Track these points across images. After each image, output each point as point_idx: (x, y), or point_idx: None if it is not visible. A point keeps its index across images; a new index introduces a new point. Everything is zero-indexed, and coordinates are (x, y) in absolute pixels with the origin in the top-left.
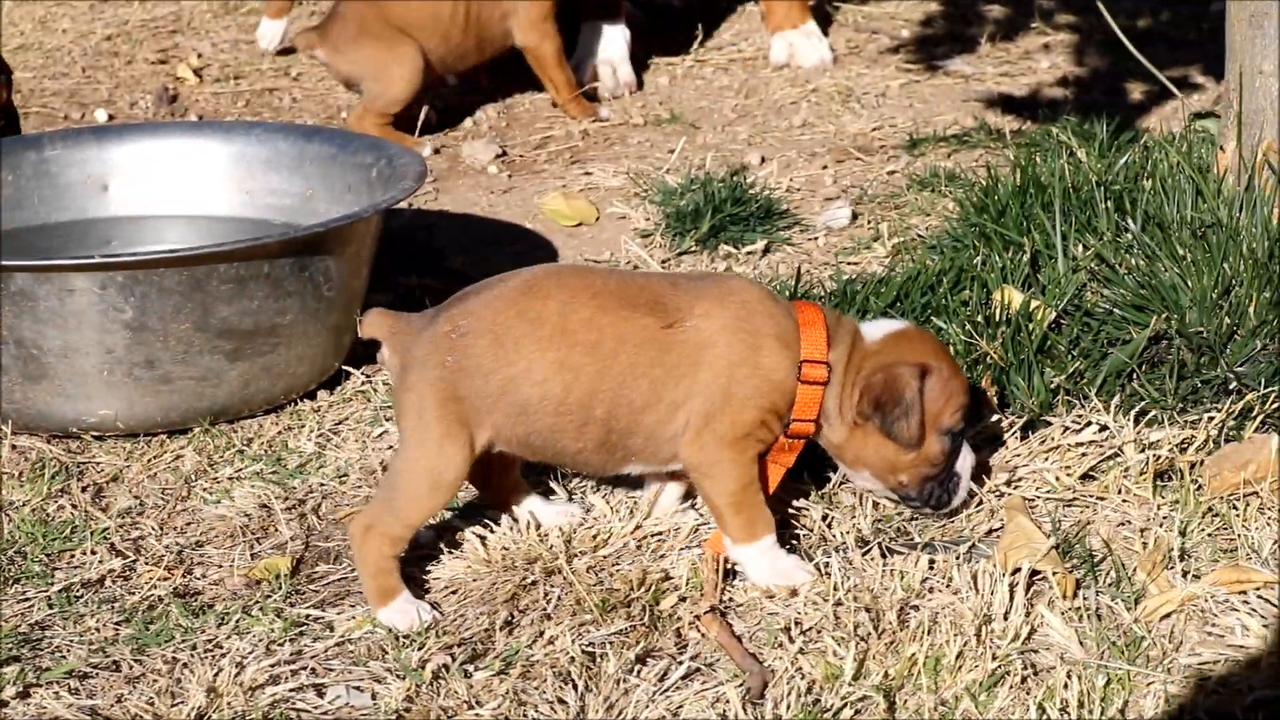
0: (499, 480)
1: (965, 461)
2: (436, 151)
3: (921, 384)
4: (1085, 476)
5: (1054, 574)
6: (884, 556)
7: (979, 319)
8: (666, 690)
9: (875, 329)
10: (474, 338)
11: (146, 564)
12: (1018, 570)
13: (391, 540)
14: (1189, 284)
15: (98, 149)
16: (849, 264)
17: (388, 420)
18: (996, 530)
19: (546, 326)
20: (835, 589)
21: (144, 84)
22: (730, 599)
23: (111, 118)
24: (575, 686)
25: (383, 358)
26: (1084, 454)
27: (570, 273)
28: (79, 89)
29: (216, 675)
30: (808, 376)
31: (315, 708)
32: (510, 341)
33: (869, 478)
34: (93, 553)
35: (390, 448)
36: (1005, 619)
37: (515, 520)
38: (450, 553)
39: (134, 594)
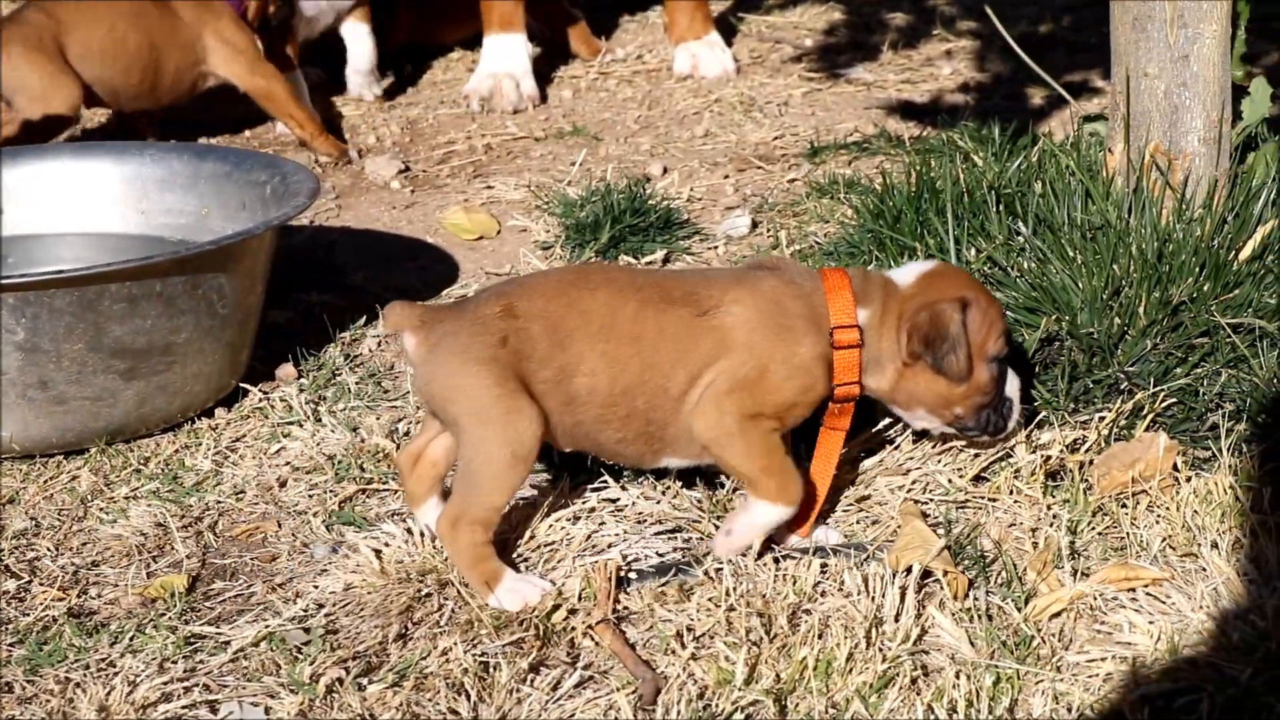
0: (424, 473)
1: (1013, 385)
2: (360, 154)
3: (964, 316)
4: (978, 478)
5: (945, 575)
6: (777, 562)
7: None
8: (559, 699)
9: (907, 273)
10: (527, 321)
11: (41, 585)
12: (909, 571)
13: (483, 526)
14: (1080, 285)
15: None
16: None
17: (285, 436)
18: (892, 535)
19: (595, 320)
20: (728, 594)
21: None
22: (624, 608)
23: None
24: (468, 697)
25: (406, 347)
26: (976, 455)
27: (614, 268)
28: None
29: (109, 694)
30: (840, 341)
31: None
32: (563, 332)
33: (925, 415)
34: None
35: (288, 464)
36: (896, 620)
37: (411, 532)
38: (346, 566)
39: (28, 615)
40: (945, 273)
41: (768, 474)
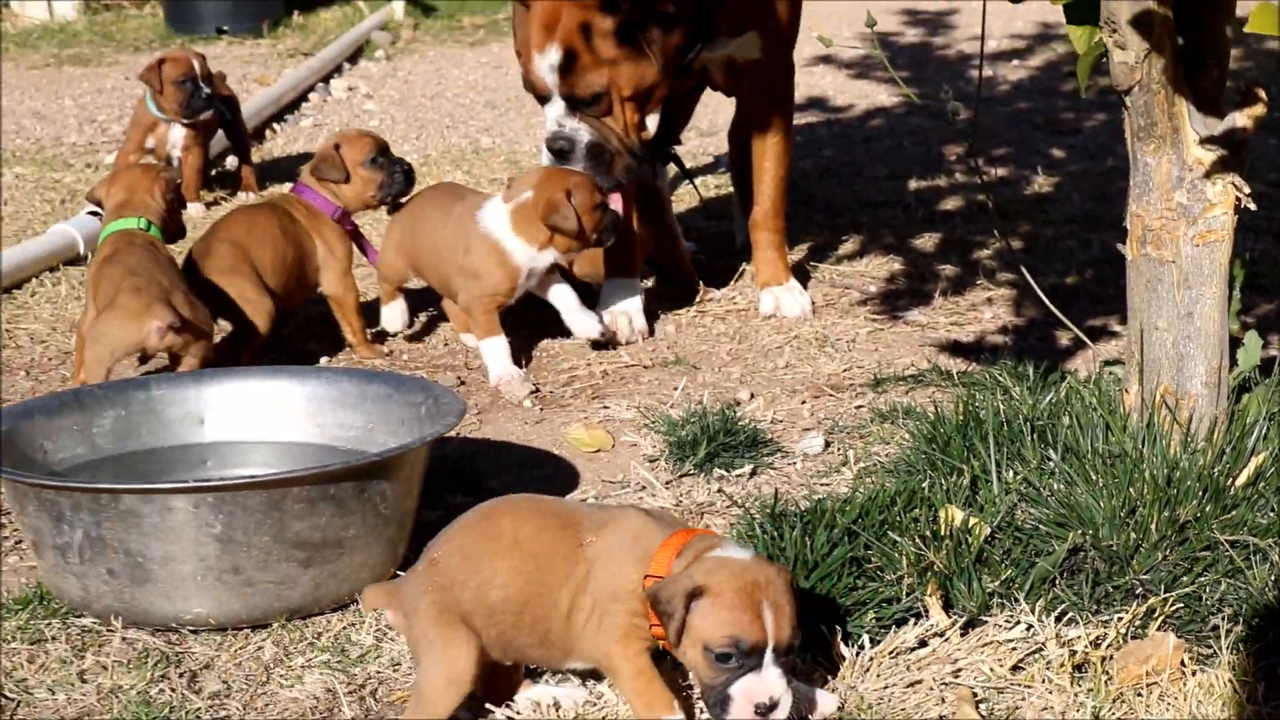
0: (501, 679)
1: (749, 690)
2: (535, 391)
3: (690, 599)
4: (1015, 668)
5: None
6: None
7: (927, 533)
8: None
9: (730, 552)
10: (448, 558)
11: None
12: None
13: None
14: (1101, 505)
15: (195, 389)
16: (821, 485)
17: None
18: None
19: (503, 540)
20: None
21: None
22: None
23: None
24: None
25: (391, 622)
26: (1014, 648)
27: (519, 499)
28: None
29: None
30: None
31: None
32: (476, 555)
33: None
34: None
35: None
36: None
37: (537, 704)
38: None
39: None
40: (734, 566)
41: (637, 695)
